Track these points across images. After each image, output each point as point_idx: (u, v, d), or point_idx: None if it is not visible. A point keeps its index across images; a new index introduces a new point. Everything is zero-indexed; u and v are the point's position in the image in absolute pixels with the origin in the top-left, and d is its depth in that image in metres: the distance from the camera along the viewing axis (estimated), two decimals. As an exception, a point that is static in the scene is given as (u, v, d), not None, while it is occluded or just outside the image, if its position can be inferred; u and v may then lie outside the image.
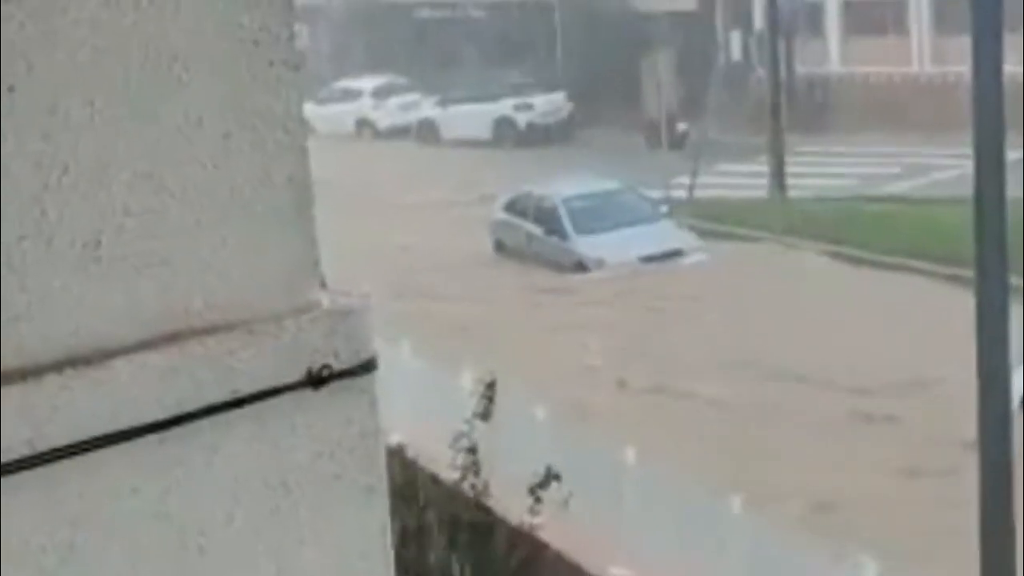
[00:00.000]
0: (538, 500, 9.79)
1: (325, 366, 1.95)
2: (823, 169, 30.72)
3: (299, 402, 1.94)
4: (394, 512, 2.14)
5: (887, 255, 23.28)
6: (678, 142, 31.47)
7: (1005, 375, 8.70)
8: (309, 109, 37.03)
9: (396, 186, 30.22)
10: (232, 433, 1.90)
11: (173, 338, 1.86)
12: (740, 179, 30.12)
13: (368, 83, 40.54)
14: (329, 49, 42.02)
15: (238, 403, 1.89)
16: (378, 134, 39.28)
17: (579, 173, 28.39)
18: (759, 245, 24.82)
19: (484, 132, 36.75)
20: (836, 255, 23.85)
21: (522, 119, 37.32)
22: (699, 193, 28.66)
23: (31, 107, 1.76)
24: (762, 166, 29.55)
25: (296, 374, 1.94)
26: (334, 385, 1.96)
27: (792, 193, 28.55)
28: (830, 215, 25.97)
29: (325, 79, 39.15)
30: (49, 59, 1.77)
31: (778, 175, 28.84)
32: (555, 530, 9.73)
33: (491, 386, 10.54)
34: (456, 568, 10.13)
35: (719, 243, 24.92)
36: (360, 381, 1.99)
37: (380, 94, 40.30)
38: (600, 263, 23.79)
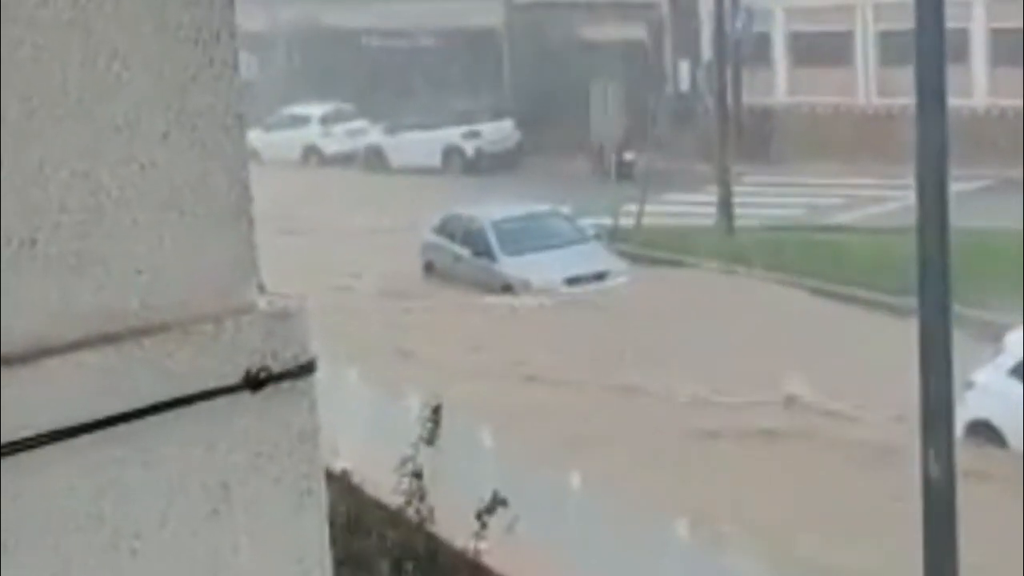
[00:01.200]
0: (484, 525, 9.77)
1: (263, 368, 1.94)
2: (770, 199, 30.91)
3: (237, 404, 1.94)
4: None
5: (827, 282, 23.58)
6: (626, 171, 31.59)
7: (948, 403, 8.76)
8: (255, 136, 37.09)
9: (336, 211, 30.22)
10: (169, 434, 1.89)
11: (110, 338, 1.85)
12: (687, 207, 30.26)
13: (316, 110, 40.46)
14: (276, 75, 41.91)
15: (175, 404, 1.88)
16: (325, 161, 39.19)
17: (524, 200, 28.57)
18: (693, 271, 25.19)
19: (432, 160, 36.76)
20: (773, 279, 24.24)
21: (470, 147, 37.37)
22: (646, 221, 28.78)
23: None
24: (709, 195, 29.68)
25: (234, 376, 1.93)
26: (272, 387, 1.96)
27: (739, 222, 28.70)
28: (774, 244, 26.17)
29: (272, 106, 39.03)
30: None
31: (725, 204, 28.97)
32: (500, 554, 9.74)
33: (436, 411, 10.52)
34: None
35: (657, 269, 25.21)
36: (299, 383, 1.99)
37: (328, 121, 40.23)
38: (526, 284, 24.06)
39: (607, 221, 28.91)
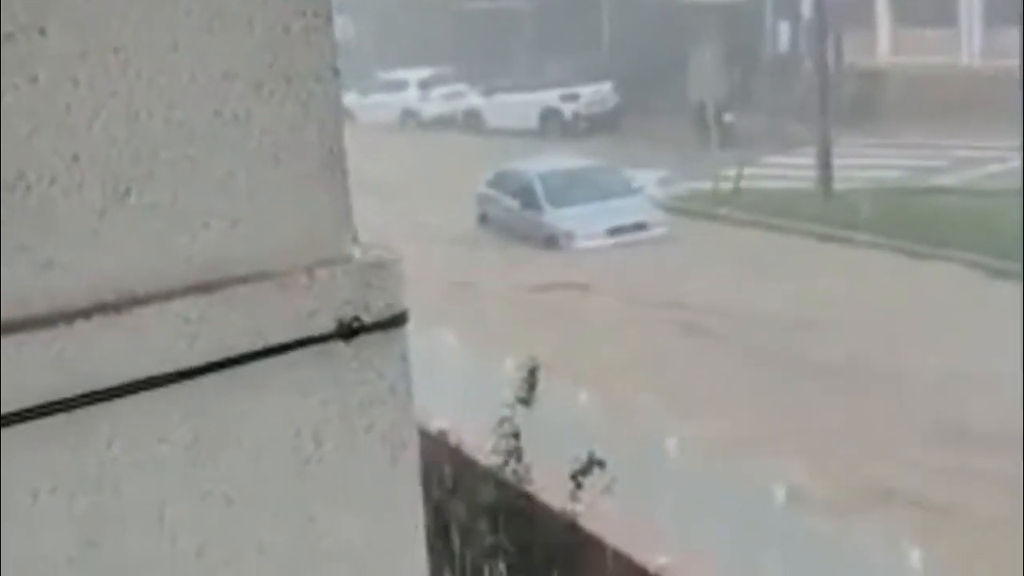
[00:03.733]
0: (579, 486, 9.76)
1: (355, 318, 1.94)
2: (870, 161, 30.50)
3: (330, 354, 1.94)
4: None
5: (925, 244, 23.28)
6: (725, 133, 31.35)
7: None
8: (353, 99, 37.18)
9: (424, 170, 30.69)
10: (262, 383, 1.89)
11: (204, 287, 1.86)
12: (786, 170, 29.96)
13: (414, 74, 40.55)
14: (374, 40, 42.04)
15: (268, 353, 1.88)
16: (423, 124, 39.28)
17: (620, 163, 28.94)
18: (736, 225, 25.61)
19: (530, 122, 36.70)
20: (833, 239, 24.19)
21: (568, 109, 37.25)
22: (745, 184, 28.54)
23: (62, 51, 1.76)
24: (808, 158, 29.38)
25: (327, 326, 1.93)
26: (365, 338, 1.95)
27: (839, 185, 28.37)
28: (872, 206, 25.85)
29: (369, 69, 39.16)
30: (81, 4, 1.77)
31: (824, 167, 28.66)
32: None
33: (533, 372, 10.51)
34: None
35: (744, 231, 25.36)
36: (391, 335, 1.98)
37: (426, 85, 40.31)
38: (569, 234, 25.33)
39: (706, 184, 28.74)
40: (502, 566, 10.05)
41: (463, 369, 12.43)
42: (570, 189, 26.48)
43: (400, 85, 40.50)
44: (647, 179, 29.05)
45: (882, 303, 19.94)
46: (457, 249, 24.55)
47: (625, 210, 25.97)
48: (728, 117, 32.00)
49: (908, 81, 34.52)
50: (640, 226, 25.58)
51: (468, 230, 26.47)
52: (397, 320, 1.99)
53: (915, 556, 10.03)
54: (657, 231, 25.56)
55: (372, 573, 2.00)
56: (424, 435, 10.54)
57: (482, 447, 10.47)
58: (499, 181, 27.75)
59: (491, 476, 10.35)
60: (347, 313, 1.94)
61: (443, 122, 38.53)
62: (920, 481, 12.03)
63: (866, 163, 30.08)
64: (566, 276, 22.57)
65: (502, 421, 10.29)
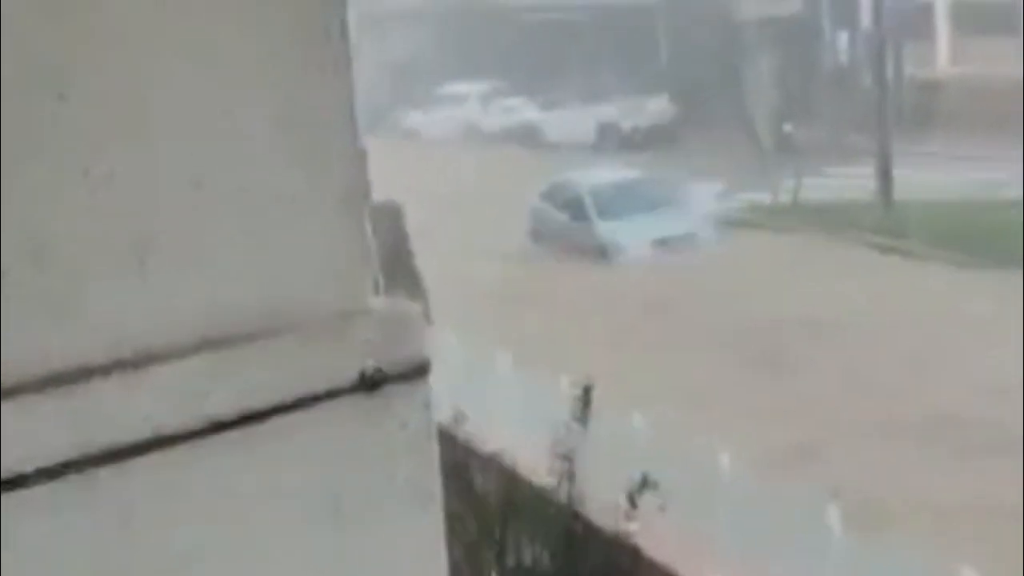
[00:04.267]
0: (634, 506, 9.72)
1: (378, 370, 1.91)
2: (930, 173, 30.25)
3: (352, 407, 1.90)
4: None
5: (974, 256, 23.12)
6: (783, 145, 31.22)
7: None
8: (415, 117, 37.45)
9: (481, 183, 31.04)
10: (281, 439, 1.86)
11: (221, 342, 1.83)
12: (846, 181, 29.77)
13: (473, 87, 40.67)
14: (431, 53, 42.17)
15: (288, 408, 1.85)
16: (484, 138, 39.38)
17: (680, 177, 29.11)
18: (793, 236, 25.53)
19: (588, 135, 36.74)
20: (894, 250, 24.16)
21: (626, 123, 37.25)
22: (804, 195, 28.39)
23: (81, 116, 1.74)
24: (868, 168, 29.18)
25: (349, 379, 1.90)
26: (388, 389, 1.92)
27: (898, 196, 28.17)
28: (933, 219, 25.64)
29: (428, 84, 39.30)
30: (100, 66, 1.75)
31: (884, 178, 28.47)
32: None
33: (588, 391, 10.48)
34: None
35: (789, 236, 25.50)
36: (414, 384, 1.95)
37: (485, 98, 40.42)
38: (617, 246, 25.88)
39: (765, 196, 28.61)
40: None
41: (514, 388, 12.40)
42: (618, 201, 26.82)
43: (460, 99, 40.65)
44: (705, 192, 28.99)
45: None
46: (508, 264, 24.73)
47: (674, 221, 26.35)
48: (787, 128, 31.87)
49: (968, 92, 34.22)
50: (689, 237, 25.84)
51: (521, 244, 26.81)
52: (420, 370, 1.95)
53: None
54: (707, 243, 25.84)
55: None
56: (478, 456, 10.60)
57: (537, 468, 10.45)
58: (550, 194, 28.18)
59: (545, 496, 10.32)
60: (369, 365, 1.91)
61: (503, 136, 38.60)
62: None
63: (926, 175, 29.84)
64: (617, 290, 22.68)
65: (556, 442, 10.27)
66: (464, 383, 11.68)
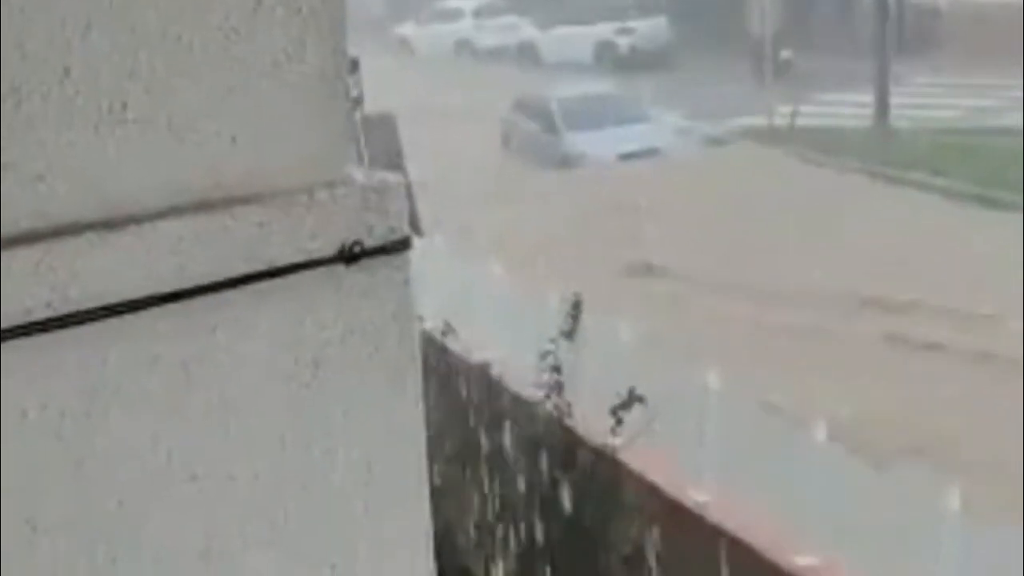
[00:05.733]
0: (619, 421, 9.75)
1: (357, 242, 1.89)
2: (930, 100, 30.14)
3: (330, 278, 1.89)
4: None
5: (976, 185, 23.09)
6: (782, 70, 31.05)
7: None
8: (409, 29, 37.19)
9: (466, 98, 31.23)
10: (260, 307, 1.85)
11: (201, 207, 1.82)
12: (844, 108, 29.65)
13: (468, 3, 40.33)
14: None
15: (266, 276, 1.84)
16: (477, 55, 39.11)
17: (675, 99, 29.36)
18: (776, 158, 26.19)
19: (584, 56, 36.48)
20: (879, 176, 24.32)
21: (623, 43, 37.01)
22: (802, 122, 28.29)
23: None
24: (867, 95, 29.06)
25: (328, 250, 1.88)
26: (366, 262, 1.91)
27: (897, 124, 28.08)
28: (929, 145, 25.58)
29: (426, -1, 39.02)
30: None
31: (883, 105, 28.36)
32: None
33: (577, 306, 10.48)
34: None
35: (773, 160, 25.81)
36: (394, 259, 1.94)
37: (481, 15, 40.09)
38: (582, 157, 26.55)
39: (761, 121, 28.52)
40: (539, 499, 10.08)
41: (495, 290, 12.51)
42: (587, 114, 27.42)
43: (455, 15, 40.31)
44: (700, 113, 28.99)
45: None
46: (476, 168, 25.57)
47: (639, 135, 26.98)
48: (785, 53, 31.68)
49: (969, 18, 34.00)
50: (651, 151, 26.51)
51: (492, 153, 27.70)
52: (400, 244, 1.94)
53: None
54: (669, 155, 26.61)
55: (372, 500, 1.97)
56: (467, 367, 10.57)
57: (525, 379, 10.49)
58: (521, 105, 28.85)
59: (531, 409, 10.36)
60: (348, 236, 1.89)
61: (497, 54, 38.34)
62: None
63: (925, 102, 29.73)
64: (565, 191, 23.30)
65: (544, 354, 10.29)
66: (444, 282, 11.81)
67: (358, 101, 14.67)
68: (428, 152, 21.76)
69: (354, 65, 15.17)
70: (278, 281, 1.85)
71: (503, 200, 23.48)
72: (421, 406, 2.01)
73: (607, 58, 36.27)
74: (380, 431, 1.96)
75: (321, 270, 1.88)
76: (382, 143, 14.51)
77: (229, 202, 1.83)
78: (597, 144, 26.66)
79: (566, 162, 26.75)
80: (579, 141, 27.11)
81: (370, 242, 1.91)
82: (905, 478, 9.06)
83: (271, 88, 1.86)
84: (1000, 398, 13.48)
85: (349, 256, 1.89)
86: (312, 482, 1.92)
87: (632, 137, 27.05)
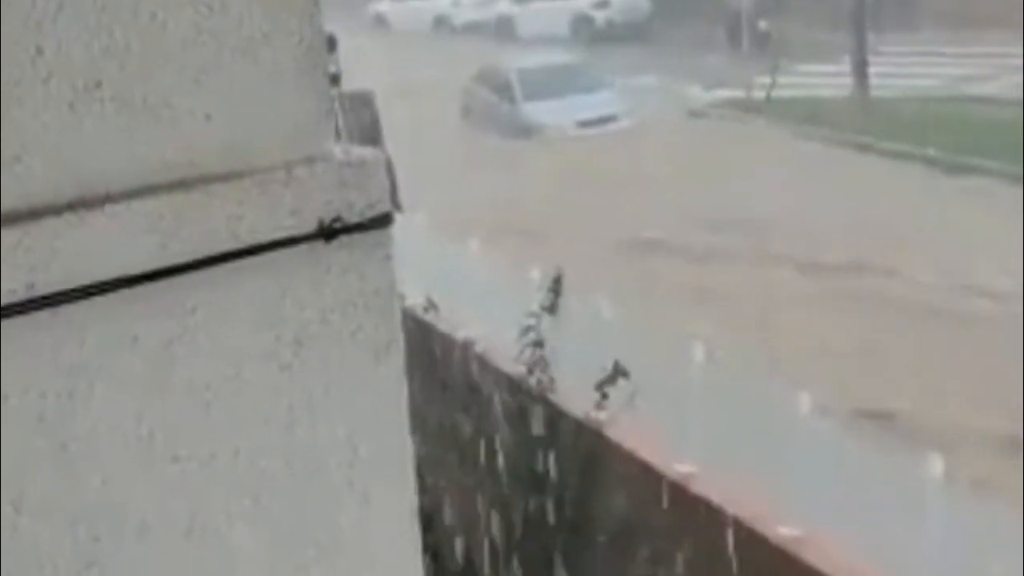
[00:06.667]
0: (604, 396, 9.75)
1: (337, 218, 1.88)
2: (909, 69, 30.14)
3: (310, 256, 1.88)
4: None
5: (955, 153, 23.14)
6: (760, 41, 31.04)
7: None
8: (387, 5, 37.04)
9: (432, 71, 31.26)
10: (239, 286, 1.84)
11: (178, 185, 1.80)
12: (822, 79, 29.65)
13: (445, -22, 40.23)
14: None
15: (245, 253, 1.83)
16: (455, 31, 39.01)
17: (651, 72, 29.45)
18: (744, 129, 26.44)
19: (562, 29, 36.41)
20: (849, 144, 24.47)
21: (600, 17, 36.92)
22: (781, 93, 28.28)
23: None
24: (845, 65, 29.06)
25: (307, 226, 1.87)
26: (346, 239, 1.90)
27: (876, 93, 28.09)
28: (909, 115, 25.59)
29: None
30: None
31: (860, 75, 28.36)
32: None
33: (558, 280, 10.48)
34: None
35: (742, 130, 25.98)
36: (374, 235, 1.93)
37: (457, -11, 39.99)
38: (541, 126, 26.98)
39: (739, 93, 28.50)
40: (525, 475, 10.09)
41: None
42: (546, 84, 27.82)
43: (432, -11, 40.21)
44: (678, 87, 28.98)
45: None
46: (436, 137, 25.90)
47: (595, 104, 27.37)
48: (763, 24, 31.66)
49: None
50: (609, 119, 26.98)
51: (453, 123, 28.25)
52: (381, 220, 1.93)
53: None
54: (625, 123, 26.97)
55: (356, 477, 1.96)
56: (450, 343, 10.55)
57: (508, 355, 10.48)
58: (481, 76, 29.16)
59: (515, 384, 10.36)
60: (328, 213, 1.88)
61: (475, 29, 38.24)
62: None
63: (904, 71, 29.74)
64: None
65: (526, 329, 10.29)
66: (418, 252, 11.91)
67: (336, 78, 14.63)
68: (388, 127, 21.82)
69: (332, 43, 15.11)
70: (257, 259, 1.84)
71: (461, 173, 23.68)
72: (404, 383, 2.00)
73: (584, 32, 36.21)
74: (363, 408, 1.95)
75: (301, 247, 1.87)
76: (361, 120, 14.47)
77: (206, 180, 1.82)
78: (556, 113, 27.01)
79: (526, 132, 27.05)
80: (538, 110, 27.43)
81: (350, 218, 1.90)
82: (889, 448, 9.08)
83: (247, 64, 1.85)
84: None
85: (329, 232, 1.88)
86: (295, 460, 1.92)
87: (591, 105, 27.39)
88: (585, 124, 26.98)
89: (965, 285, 16.49)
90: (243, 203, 1.84)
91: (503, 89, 28.48)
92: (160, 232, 1.78)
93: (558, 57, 30.34)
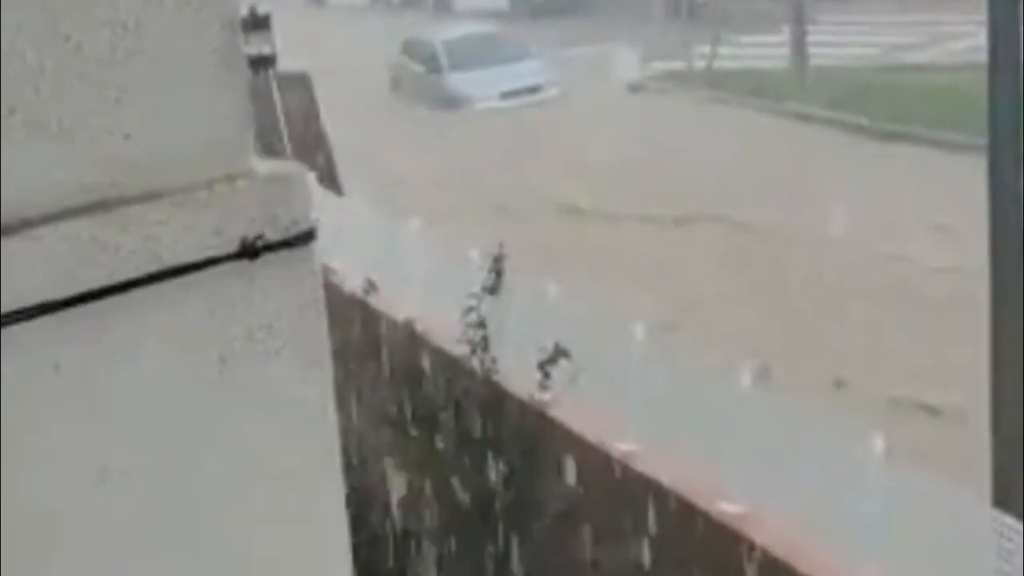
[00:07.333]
0: (547, 375, 9.76)
1: (259, 236, 1.87)
2: (847, 38, 30.25)
3: (234, 274, 1.87)
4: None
5: (887, 122, 23.38)
6: (699, 12, 31.07)
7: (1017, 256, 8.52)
8: (324, -20, 36.37)
9: (361, 50, 31.23)
10: (162, 307, 1.82)
11: (97, 206, 1.78)
12: (762, 49, 29.72)
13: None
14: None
15: (167, 274, 1.81)
16: (392, 6, 38.79)
17: (591, 43, 29.53)
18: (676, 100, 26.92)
19: (501, 3, 36.27)
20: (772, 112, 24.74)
21: (540, -11, 36.78)
22: (720, 64, 28.33)
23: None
24: (784, 36, 29.14)
25: (230, 245, 1.85)
26: (271, 256, 1.88)
27: (814, 62, 28.20)
28: (846, 84, 25.73)
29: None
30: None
31: (799, 45, 28.45)
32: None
33: (498, 260, 10.46)
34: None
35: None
36: (299, 252, 1.91)
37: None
38: (467, 97, 27.37)
39: (680, 65, 28.53)
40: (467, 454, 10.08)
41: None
42: (471, 55, 28.13)
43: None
44: (619, 60, 28.96)
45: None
46: (365, 107, 26.30)
47: (520, 74, 27.72)
48: (701, -5, 31.70)
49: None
50: (533, 89, 27.27)
51: (381, 95, 28.71)
52: (305, 236, 1.92)
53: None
54: (550, 93, 27.33)
55: (285, 491, 1.95)
56: (391, 324, 10.47)
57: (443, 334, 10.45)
58: (408, 48, 29.39)
59: (458, 365, 10.34)
60: (251, 231, 1.86)
61: (413, 4, 38.03)
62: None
63: (842, 40, 29.85)
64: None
65: (468, 309, 10.27)
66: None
67: (273, 59, 14.56)
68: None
69: (265, 21, 15.02)
70: (180, 280, 1.82)
71: (393, 147, 23.91)
72: (332, 396, 1.99)
73: (522, 5, 36.12)
74: (290, 424, 1.94)
75: (225, 266, 1.86)
76: (298, 102, 14.40)
77: (126, 201, 1.80)
78: (480, 84, 27.28)
79: (452, 103, 27.33)
80: (463, 81, 27.72)
81: (273, 235, 1.88)
82: (830, 420, 9.14)
83: (165, 83, 1.83)
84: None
85: (252, 251, 1.87)
86: (222, 477, 1.90)
87: (515, 75, 27.63)
88: (509, 95, 27.23)
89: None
90: (164, 223, 1.82)
91: (429, 60, 28.70)
92: (79, 256, 1.76)
93: (484, 27, 30.56)
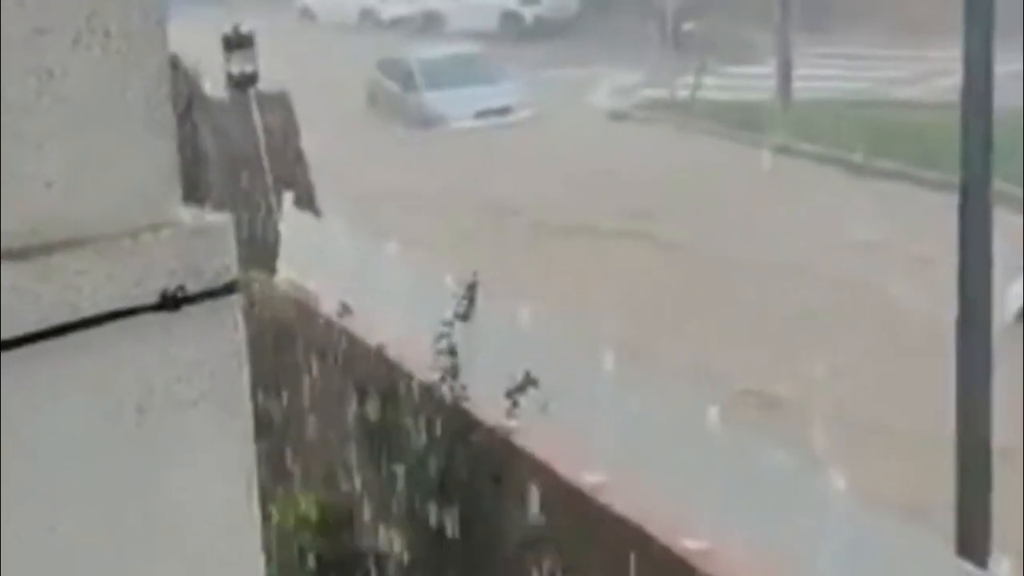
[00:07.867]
0: (515, 404, 9.74)
1: (180, 287, 1.86)
2: (834, 71, 30.32)
3: (154, 325, 1.86)
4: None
5: (867, 158, 23.50)
6: (686, 41, 31.13)
7: (987, 265, 8.59)
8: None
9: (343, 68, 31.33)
10: (80, 357, 1.81)
11: (17, 254, 1.77)
12: (746, 81, 29.78)
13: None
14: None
15: (87, 324, 1.80)
16: (381, 25, 38.80)
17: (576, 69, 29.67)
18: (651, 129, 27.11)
19: (490, 25, 36.32)
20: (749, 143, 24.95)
21: (528, 13, 36.88)
22: (704, 94, 28.35)
23: None
24: (770, 68, 29.20)
25: (150, 297, 1.84)
26: (191, 308, 1.87)
27: (799, 96, 28.23)
28: (830, 119, 25.78)
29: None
30: None
31: (784, 77, 28.51)
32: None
33: (472, 287, 10.45)
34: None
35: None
36: (221, 303, 1.90)
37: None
38: (441, 116, 27.83)
39: (663, 93, 28.58)
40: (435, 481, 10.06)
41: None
42: (448, 74, 28.61)
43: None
44: (602, 84, 29.08)
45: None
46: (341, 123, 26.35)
47: (495, 95, 28.15)
48: (687, 26, 31.77)
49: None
50: (503, 111, 27.74)
51: (358, 112, 29.06)
52: (227, 288, 1.91)
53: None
54: (523, 114, 27.74)
55: (204, 540, 1.94)
56: (364, 349, 10.39)
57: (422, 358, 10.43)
58: (385, 66, 29.79)
59: (427, 392, 10.32)
60: (172, 282, 1.85)
61: (402, 23, 38.04)
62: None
63: (828, 74, 29.92)
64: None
65: (440, 336, 10.25)
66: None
67: (253, 78, 14.55)
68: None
69: (248, 40, 15.03)
70: (99, 330, 1.81)
71: (370, 163, 24.06)
72: (252, 445, 1.98)
73: (512, 27, 36.18)
74: (209, 472, 1.93)
75: (145, 316, 1.84)
76: (279, 121, 14.39)
77: (47, 249, 1.79)
78: (455, 103, 27.65)
79: (427, 121, 27.64)
80: (438, 100, 28.09)
81: (196, 287, 1.87)
82: (796, 462, 9.13)
83: (89, 129, 1.82)
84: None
85: (173, 302, 1.86)
86: (140, 525, 1.89)
87: (490, 96, 28.00)
88: (482, 114, 27.52)
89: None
90: (84, 273, 1.81)
91: (406, 79, 29.08)
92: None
93: (465, 47, 30.78)
